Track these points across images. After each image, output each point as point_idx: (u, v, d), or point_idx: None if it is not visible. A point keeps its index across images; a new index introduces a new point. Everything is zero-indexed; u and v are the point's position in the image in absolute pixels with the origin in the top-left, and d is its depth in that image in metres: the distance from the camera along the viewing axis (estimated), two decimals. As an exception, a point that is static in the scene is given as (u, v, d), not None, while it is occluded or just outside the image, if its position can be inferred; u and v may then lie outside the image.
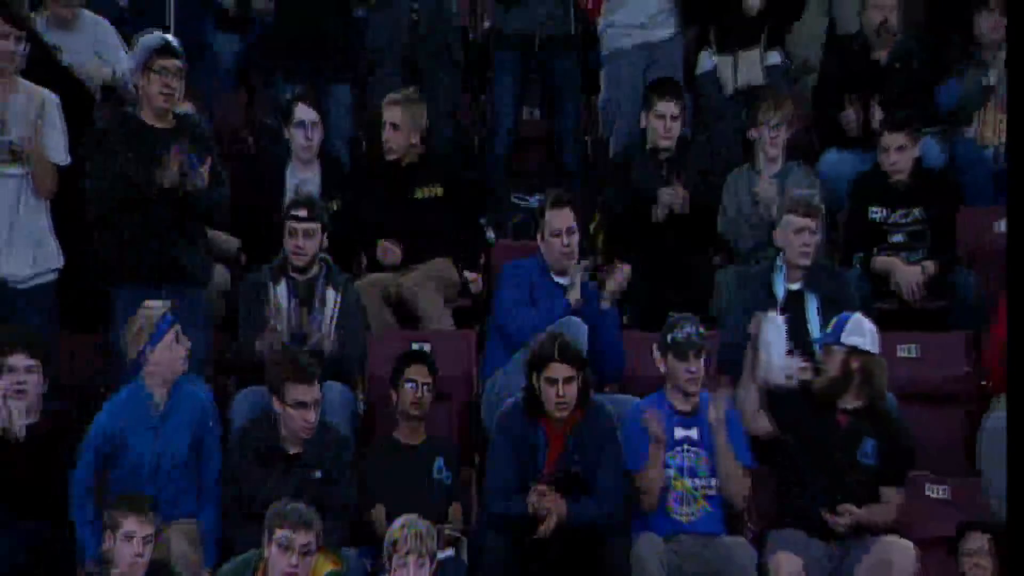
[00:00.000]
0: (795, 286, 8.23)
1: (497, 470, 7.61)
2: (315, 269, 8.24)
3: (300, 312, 8.20)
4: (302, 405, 7.48)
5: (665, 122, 8.79)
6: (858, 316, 7.85)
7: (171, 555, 7.29)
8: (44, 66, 8.46)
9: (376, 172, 8.96)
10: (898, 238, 8.80)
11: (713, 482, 7.53)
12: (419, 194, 8.90)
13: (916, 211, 8.84)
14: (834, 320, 7.87)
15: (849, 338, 7.73)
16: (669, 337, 7.64)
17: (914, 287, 8.67)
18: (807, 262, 8.18)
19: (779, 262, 8.30)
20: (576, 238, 8.26)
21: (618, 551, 7.40)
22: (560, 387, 7.47)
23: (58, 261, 8.15)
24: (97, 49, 8.89)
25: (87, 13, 8.96)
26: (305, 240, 8.15)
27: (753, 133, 8.91)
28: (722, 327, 8.25)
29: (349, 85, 9.38)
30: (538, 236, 8.37)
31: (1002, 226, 8.92)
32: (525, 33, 9.58)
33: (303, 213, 8.21)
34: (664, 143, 8.82)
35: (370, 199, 8.92)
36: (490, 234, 8.79)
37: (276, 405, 7.54)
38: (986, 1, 9.32)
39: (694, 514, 7.55)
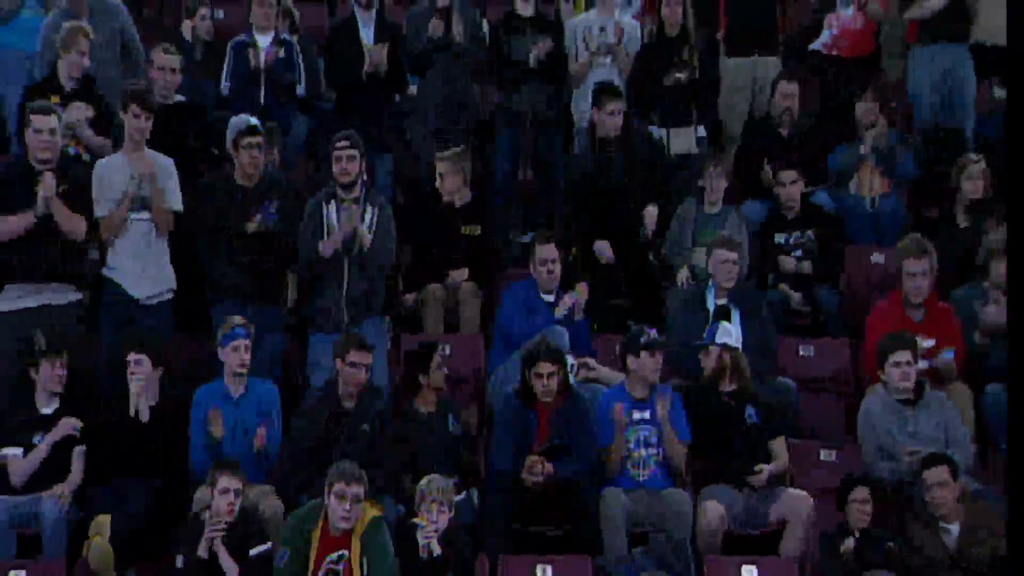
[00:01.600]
0: (722, 302, 8.17)
1: (500, 440, 7.62)
2: (356, 191, 8.09)
3: (340, 216, 8.04)
4: (357, 366, 7.46)
5: None
6: (724, 324, 7.90)
7: (263, 513, 7.24)
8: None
9: (434, 210, 8.81)
10: (797, 253, 8.75)
11: (661, 451, 7.55)
12: (464, 230, 8.73)
13: (808, 233, 8.77)
14: (706, 328, 7.93)
15: (720, 339, 7.79)
16: (642, 339, 7.61)
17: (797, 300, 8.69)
18: (731, 284, 8.22)
19: (711, 284, 8.27)
20: (558, 266, 8.26)
21: (590, 501, 7.40)
22: (545, 380, 7.52)
23: (173, 283, 8.08)
24: None
25: None
26: (348, 163, 8.03)
27: (700, 183, 8.86)
28: (669, 334, 8.22)
29: (391, 154, 9.31)
30: (530, 265, 8.33)
31: (878, 258, 8.97)
32: (521, 112, 9.49)
33: (345, 143, 8.10)
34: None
35: (426, 231, 8.77)
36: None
37: (339, 365, 7.50)
38: (862, 93, 9.26)
39: (647, 474, 7.55)
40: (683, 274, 8.72)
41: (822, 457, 7.93)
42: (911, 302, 8.13)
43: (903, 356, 7.63)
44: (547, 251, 8.22)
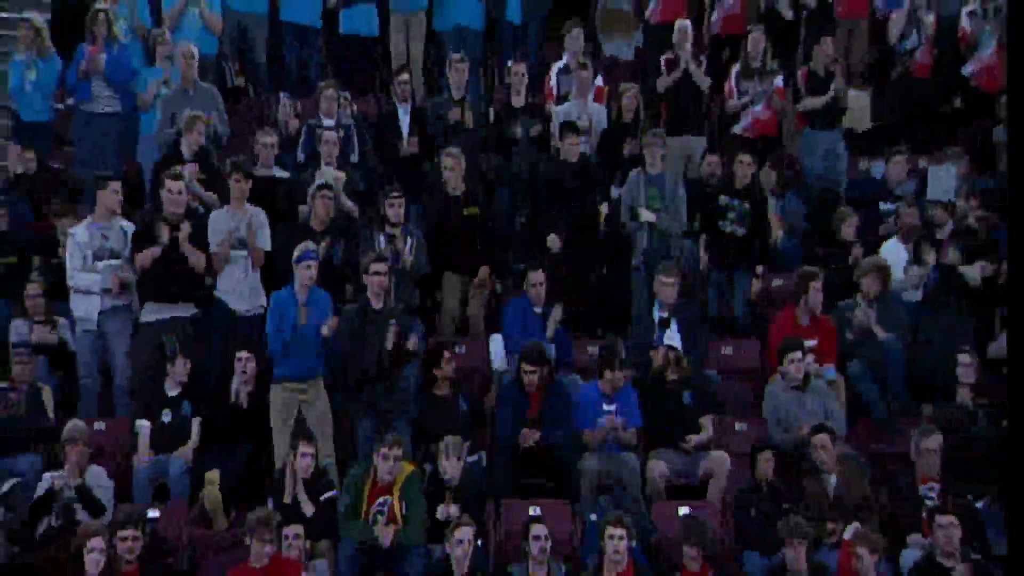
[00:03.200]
0: (664, 315, 8.12)
1: (502, 417, 7.66)
2: (399, 228, 8.19)
3: (390, 248, 8.09)
4: (378, 273, 7.51)
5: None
6: (668, 330, 7.96)
7: (329, 470, 7.32)
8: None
9: (443, 203, 8.59)
10: (734, 215, 8.51)
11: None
12: (465, 212, 8.50)
13: (746, 204, 8.53)
14: (655, 333, 8.00)
15: (668, 341, 7.91)
16: (617, 357, 7.56)
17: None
18: (671, 302, 8.13)
19: (656, 300, 8.16)
20: (544, 287, 8.19)
21: (567, 460, 7.47)
22: (530, 376, 7.55)
23: (264, 301, 8.00)
24: None
25: None
26: (399, 208, 8.16)
27: (643, 151, 8.72)
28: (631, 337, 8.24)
29: (421, 204, 9.06)
30: (523, 286, 8.30)
31: (777, 282, 8.84)
32: (515, 173, 9.26)
33: (397, 194, 8.21)
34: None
35: (440, 218, 8.57)
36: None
37: (365, 279, 7.52)
38: (765, 162, 9.28)
39: (611, 444, 7.55)
40: (645, 215, 8.54)
41: (737, 428, 7.96)
42: (807, 311, 8.04)
43: (796, 355, 7.68)
44: (536, 276, 8.25)
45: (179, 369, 7.65)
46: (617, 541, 6.65)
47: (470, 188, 8.65)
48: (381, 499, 6.91)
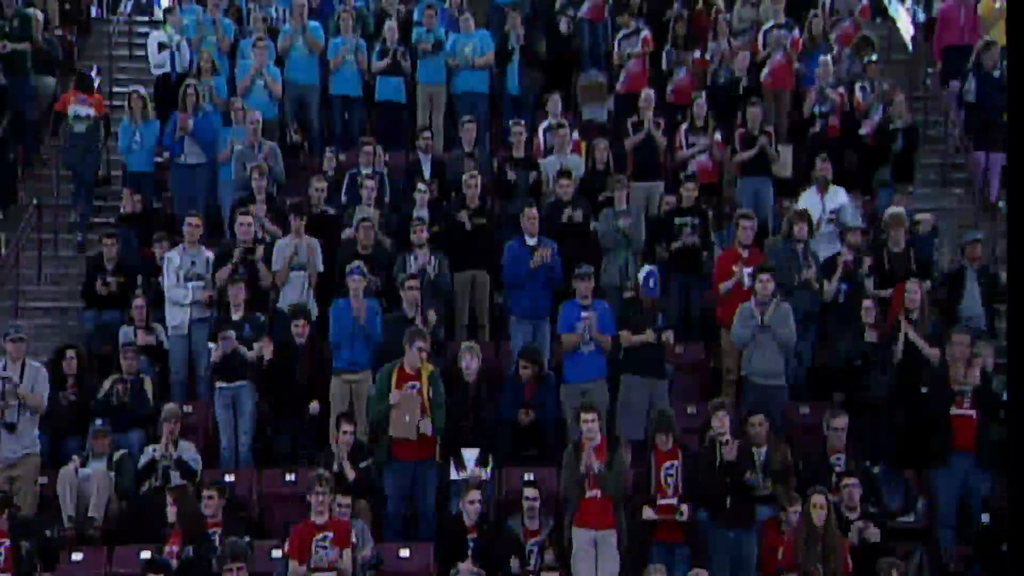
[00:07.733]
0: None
1: (505, 402, 7.60)
2: (426, 248, 8.12)
3: (417, 264, 7.99)
4: (412, 288, 7.53)
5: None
6: None
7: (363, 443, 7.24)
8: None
9: (460, 210, 8.50)
10: (689, 229, 8.46)
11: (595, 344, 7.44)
12: (476, 220, 8.39)
13: (696, 219, 8.51)
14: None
15: None
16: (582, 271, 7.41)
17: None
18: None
19: None
20: (537, 221, 8.03)
21: (552, 435, 7.51)
22: (527, 371, 7.55)
23: (316, 311, 7.97)
24: None
25: None
26: (423, 233, 8.08)
27: (612, 195, 8.58)
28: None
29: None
30: (521, 219, 8.10)
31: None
32: (514, 214, 8.94)
33: (420, 224, 8.17)
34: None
35: (457, 222, 8.49)
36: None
37: (401, 293, 7.57)
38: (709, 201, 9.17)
39: (588, 350, 7.46)
40: (622, 222, 8.39)
41: (688, 411, 7.84)
42: (741, 245, 8.04)
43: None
44: (531, 212, 8.07)
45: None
46: (591, 423, 6.58)
47: (482, 203, 8.58)
48: (409, 383, 6.84)
